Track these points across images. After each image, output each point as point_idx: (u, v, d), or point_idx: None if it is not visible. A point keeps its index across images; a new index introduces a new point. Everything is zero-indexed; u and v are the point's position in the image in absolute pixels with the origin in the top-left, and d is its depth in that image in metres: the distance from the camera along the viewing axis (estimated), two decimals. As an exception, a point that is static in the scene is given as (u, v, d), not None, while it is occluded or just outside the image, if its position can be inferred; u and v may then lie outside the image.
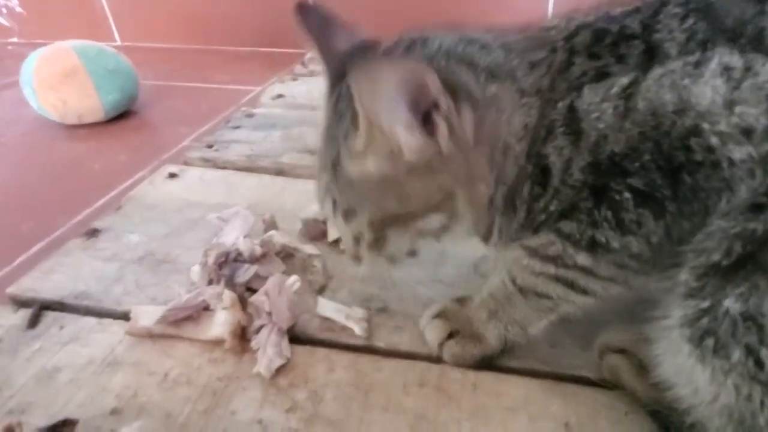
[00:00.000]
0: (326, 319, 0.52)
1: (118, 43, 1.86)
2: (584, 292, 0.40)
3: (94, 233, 0.66)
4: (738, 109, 0.32)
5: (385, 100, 0.35)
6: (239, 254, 0.56)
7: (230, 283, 0.52)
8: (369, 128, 0.38)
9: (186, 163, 0.87)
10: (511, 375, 0.47)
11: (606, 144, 0.36)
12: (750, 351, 0.29)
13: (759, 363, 0.28)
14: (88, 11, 1.79)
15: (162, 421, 0.43)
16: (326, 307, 0.53)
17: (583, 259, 0.38)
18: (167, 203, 0.73)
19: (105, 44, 1.23)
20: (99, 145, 1.12)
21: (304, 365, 0.48)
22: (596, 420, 0.42)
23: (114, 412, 0.43)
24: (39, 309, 0.54)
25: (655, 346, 0.36)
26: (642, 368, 0.41)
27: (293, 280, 0.52)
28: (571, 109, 0.37)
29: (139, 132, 1.18)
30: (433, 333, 0.48)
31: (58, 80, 1.11)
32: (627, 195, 0.35)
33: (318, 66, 1.34)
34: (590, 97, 0.36)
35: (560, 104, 0.37)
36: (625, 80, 0.36)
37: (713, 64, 0.33)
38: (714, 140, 0.33)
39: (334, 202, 0.44)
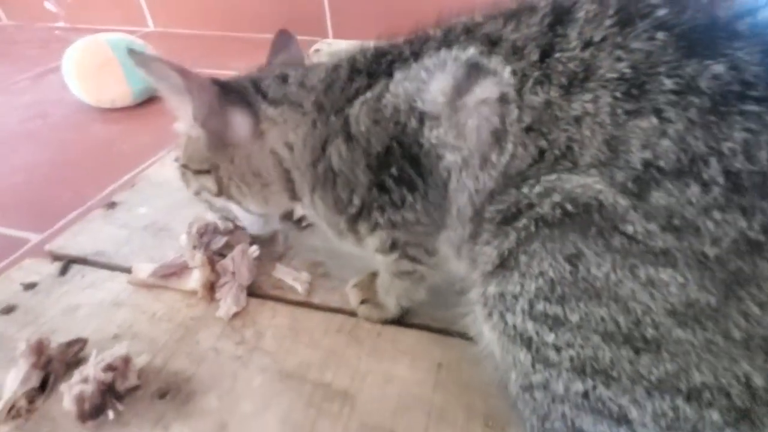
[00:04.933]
0: (279, 279, 0.67)
1: (151, 28, 2.03)
2: (419, 261, 0.52)
3: (112, 205, 0.83)
4: (448, 123, 0.41)
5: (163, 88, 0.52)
6: (216, 228, 0.71)
7: (207, 249, 0.68)
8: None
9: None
10: (410, 328, 0.60)
11: (370, 147, 0.46)
12: (501, 315, 0.39)
13: (506, 322, 0.38)
14: (126, -1, 1.96)
15: (147, 344, 0.59)
16: (280, 270, 0.68)
17: (396, 235, 0.49)
18: (171, 182, 0.89)
19: (138, 30, 1.39)
20: (128, 127, 1.29)
21: (255, 313, 0.63)
22: (460, 363, 0.55)
23: (115, 337, 0.60)
24: (68, 262, 0.71)
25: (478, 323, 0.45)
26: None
27: (254, 249, 0.67)
28: (345, 118, 0.47)
29: (162, 116, 1.34)
30: (351, 298, 0.63)
31: (94, 70, 1.29)
32: (390, 181, 0.46)
33: (319, 57, 1.46)
34: (356, 106, 0.46)
35: (338, 114, 0.48)
36: (378, 87, 0.45)
37: (448, 65, 0.41)
38: (432, 143, 0.42)
39: None
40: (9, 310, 0.64)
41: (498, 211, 0.40)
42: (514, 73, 0.40)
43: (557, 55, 0.38)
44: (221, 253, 0.69)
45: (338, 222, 0.52)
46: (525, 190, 0.38)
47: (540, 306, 0.36)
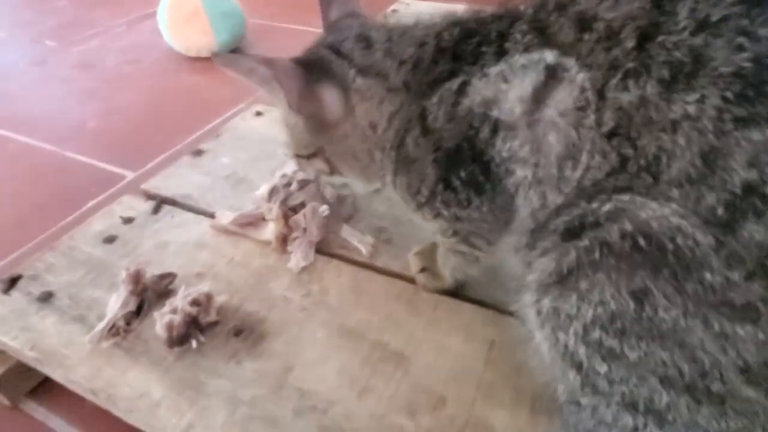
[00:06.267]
0: (345, 240, 0.71)
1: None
2: (476, 247, 0.53)
3: (199, 153, 0.90)
4: (524, 135, 0.39)
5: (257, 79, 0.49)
6: (292, 184, 0.75)
7: (283, 204, 0.72)
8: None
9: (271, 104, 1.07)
10: (466, 302, 0.62)
11: (442, 141, 0.44)
12: (552, 329, 0.37)
13: (558, 338, 0.37)
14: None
15: (226, 285, 0.65)
16: (347, 231, 0.72)
17: (458, 226, 0.50)
18: (252, 136, 0.94)
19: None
20: (211, 77, 1.36)
21: (322, 269, 0.67)
22: (513, 343, 0.56)
23: (198, 275, 0.67)
24: (160, 202, 0.79)
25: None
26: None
27: (324, 209, 0.71)
28: (424, 108, 0.45)
29: (243, 68, 1.41)
30: (412, 265, 0.65)
31: (183, 20, 1.36)
32: (457, 182, 0.45)
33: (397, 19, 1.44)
34: (435, 98, 0.44)
35: (419, 102, 0.46)
36: (458, 81, 0.42)
37: (526, 73, 0.38)
38: (504, 156, 0.41)
39: None
40: (111, 240, 0.73)
41: (562, 222, 0.38)
42: (597, 68, 0.36)
43: (661, 38, 0.33)
44: (295, 209, 0.73)
45: (411, 204, 0.53)
46: (594, 204, 0.35)
47: (595, 334, 0.34)
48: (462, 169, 0.44)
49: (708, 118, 0.31)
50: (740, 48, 0.30)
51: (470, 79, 0.42)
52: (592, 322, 0.34)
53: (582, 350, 0.35)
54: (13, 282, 0.66)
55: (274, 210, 0.69)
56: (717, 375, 0.30)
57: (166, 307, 0.58)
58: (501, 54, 0.41)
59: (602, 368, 0.34)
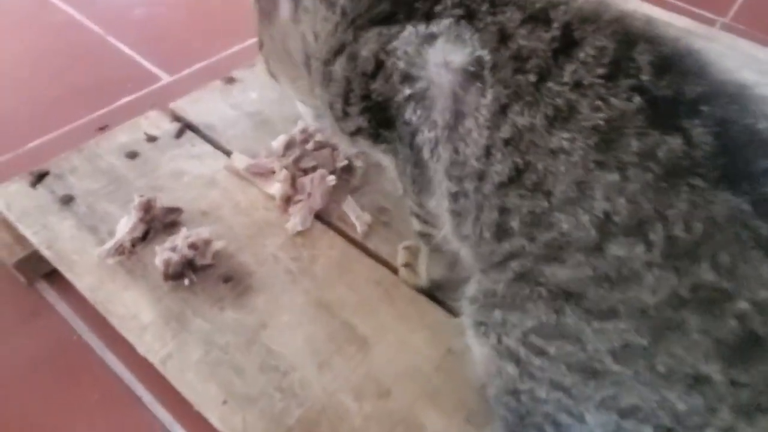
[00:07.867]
0: (344, 212, 0.74)
1: None
2: (425, 222, 0.58)
3: (231, 81, 0.90)
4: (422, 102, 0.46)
5: None
6: (309, 143, 0.76)
7: (294, 164, 0.74)
8: None
9: None
10: (439, 306, 0.66)
11: (371, 83, 0.50)
12: (499, 336, 0.46)
13: (501, 341, 0.45)
14: None
15: (226, 230, 0.70)
16: (349, 205, 0.74)
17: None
18: (285, 73, 0.93)
19: None
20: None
21: (316, 237, 0.71)
22: (467, 354, 0.61)
23: (203, 213, 0.72)
24: (184, 126, 0.81)
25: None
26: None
27: (331, 179, 0.73)
28: (356, 39, 0.51)
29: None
30: (399, 258, 0.68)
31: None
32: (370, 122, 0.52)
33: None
34: (370, 34, 0.49)
35: (353, 32, 0.51)
36: (389, 31, 0.48)
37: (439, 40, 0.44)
38: (408, 116, 0.48)
39: None
40: (133, 155, 0.77)
41: (511, 269, 0.45)
42: (504, 85, 0.42)
43: (550, 84, 0.40)
44: (305, 171, 0.75)
45: (333, 123, 0.58)
46: (541, 266, 0.43)
47: (532, 338, 0.44)
48: (384, 110, 0.50)
49: (578, 155, 0.39)
50: (598, 109, 0.39)
51: (401, 32, 0.47)
52: (531, 330, 0.44)
53: (522, 350, 0.45)
54: (40, 177, 0.72)
55: (283, 172, 0.71)
56: (597, 358, 0.40)
57: (167, 243, 0.64)
58: (429, 16, 0.46)
59: (536, 361, 0.44)
